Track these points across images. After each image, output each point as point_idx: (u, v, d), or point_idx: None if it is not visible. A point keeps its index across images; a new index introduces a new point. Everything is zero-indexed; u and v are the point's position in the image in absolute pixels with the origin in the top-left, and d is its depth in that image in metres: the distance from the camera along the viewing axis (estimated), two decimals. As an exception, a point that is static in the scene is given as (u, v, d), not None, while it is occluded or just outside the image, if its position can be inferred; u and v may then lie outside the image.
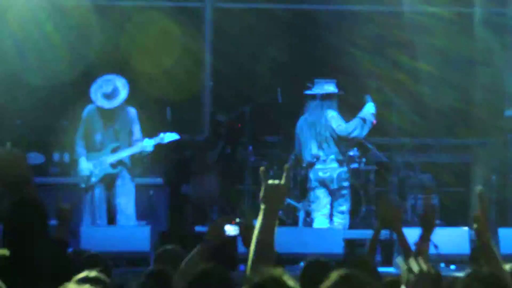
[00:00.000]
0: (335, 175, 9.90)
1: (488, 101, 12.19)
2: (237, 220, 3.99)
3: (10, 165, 2.40)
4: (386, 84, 12.13)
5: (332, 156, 10.03)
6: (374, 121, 9.88)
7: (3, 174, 2.52)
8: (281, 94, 11.38)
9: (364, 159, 10.74)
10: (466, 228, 8.89)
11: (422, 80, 12.37)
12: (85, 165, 10.36)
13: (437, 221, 7.66)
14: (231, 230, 3.95)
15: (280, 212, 8.47)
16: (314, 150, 10.09)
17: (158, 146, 10.42)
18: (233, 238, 4.03)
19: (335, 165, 10.11)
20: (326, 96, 10.32)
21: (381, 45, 12.43)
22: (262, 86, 12.54)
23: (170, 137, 10.43)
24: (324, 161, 10.12)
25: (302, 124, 10.44)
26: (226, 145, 11.84)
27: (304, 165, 10.40)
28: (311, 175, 10.05)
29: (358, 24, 12.80)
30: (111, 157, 10.34)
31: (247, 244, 3.68)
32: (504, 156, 12.02)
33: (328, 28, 12.73)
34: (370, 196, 10.68)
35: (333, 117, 9.97)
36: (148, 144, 10.19)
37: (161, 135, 10.38)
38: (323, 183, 9.93)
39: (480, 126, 12.50)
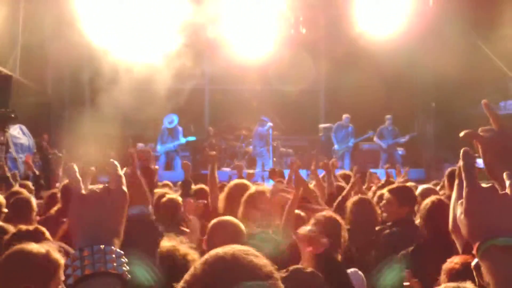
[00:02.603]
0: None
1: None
2: None
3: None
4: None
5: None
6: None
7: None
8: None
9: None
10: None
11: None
12: (160, 148, 15.60)
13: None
14: None
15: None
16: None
17: (188, 142, 16.01)
18: None
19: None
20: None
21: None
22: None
23: (192, 138, 16.11)
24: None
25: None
26: (211, 139, 16.60)
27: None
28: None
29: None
30: (171, 144, 15.60)
31: None
32: (323, 144, 17.14)
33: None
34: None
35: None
36: (184, 141, 15.87)
37: (189, 137, 16.03)
38: None
39: (309, 130, 17.93)
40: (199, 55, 15.23)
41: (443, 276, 3.17)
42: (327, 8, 17.16)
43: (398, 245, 4.79)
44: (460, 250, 2.86)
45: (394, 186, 6.03)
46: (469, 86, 16.63)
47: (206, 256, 1.72)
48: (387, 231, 5.31)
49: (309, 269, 2.79)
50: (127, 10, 14.92)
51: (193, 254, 2.91)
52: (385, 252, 4.89)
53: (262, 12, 16.37)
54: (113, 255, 1.40)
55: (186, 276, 1.71)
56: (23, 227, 3.82)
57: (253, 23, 16.24)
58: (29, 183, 8.36)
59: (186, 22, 14.51)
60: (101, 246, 1.39)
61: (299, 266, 2.87)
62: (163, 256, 2.53)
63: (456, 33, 15.87)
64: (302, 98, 18.10)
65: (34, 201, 5.93)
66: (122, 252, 1.44)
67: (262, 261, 1.74)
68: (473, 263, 1.40)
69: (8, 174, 8.68)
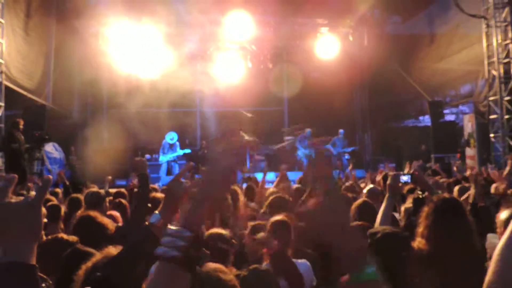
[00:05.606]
0: None
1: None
2: None
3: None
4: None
5: None
6: None
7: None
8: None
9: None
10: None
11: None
12: (162, 158, 15.34)
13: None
14: None
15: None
16: None
17: (185, 153, 15.58)
18: None
19: None
20: None
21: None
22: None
23: (188, 150, 15.72)
24: None
25: None
26: (203, 150, 15.96)
27: None
28: None
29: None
30: (171, 155, 15.28)
31: None
32: (287, 152, 16.63)
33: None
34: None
35: None
36: (181, 153, 15.54)
37: (186, 149, 15.66)
38: None
39: (276, 141, 16.81)
40: (192, 84, 15.06)
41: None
42: (289, 47, 17.16)
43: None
44: None
45: None
46: (395, 106, 17.02)
47: None
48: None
49: (264, 267, 2.84)
50: (138, 51, 14.85)
51: None
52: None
53: (239, 51, 16.63)
54: None
55: None
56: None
57: (232, 60, 16.38)
58: (60, 191, 8.05)
59: (182, 63, 14.48)
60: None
61: (256, 265, 2.86)
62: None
63: (385, 65, 16.08)
64: (270, 116, 18.21)
65: (62, 208, 5.65)
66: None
67: (229, 277, 1.80)
68: None
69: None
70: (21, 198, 1.28)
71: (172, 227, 1.11)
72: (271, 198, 4.86)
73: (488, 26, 13.24)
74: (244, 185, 8.25)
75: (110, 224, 3.53)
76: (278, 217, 3.71)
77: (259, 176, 10.72)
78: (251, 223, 3.92)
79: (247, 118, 16.33)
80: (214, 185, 1.16)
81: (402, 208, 4.30)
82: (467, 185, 5.95)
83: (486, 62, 13.35)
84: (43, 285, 2.09)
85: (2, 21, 11.32)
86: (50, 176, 1.42)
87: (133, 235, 1.77)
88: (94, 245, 2.15)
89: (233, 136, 1.21)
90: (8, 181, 1.29)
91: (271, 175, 11.67)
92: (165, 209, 1.81)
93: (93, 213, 3.62)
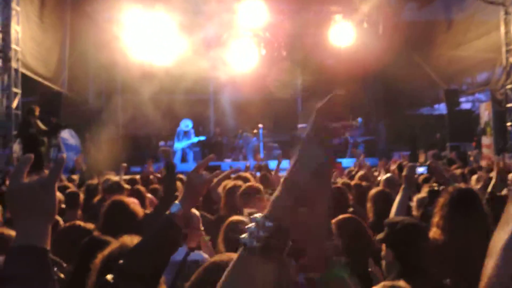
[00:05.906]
0: None
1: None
2: None
3: None
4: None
5: None
6: None
7: None
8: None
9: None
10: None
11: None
12: (176, 145, 15.38)
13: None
14: None
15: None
16: None
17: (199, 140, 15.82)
18: None
19: None
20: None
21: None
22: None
23: (202, 137, 15.89)
24: None
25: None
26: (217, 137, 16.25)
27: None
28: None
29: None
30: (186, 142, 15.37)
31: None
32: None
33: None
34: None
35: None
36: (196, 140, 15.65)
37: (200, 137, 15.86)
38: None
39: (290, 129, 16.72)
40: (206, 71, 14.99)
41: None
42: (303, 35, 17.03)
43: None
44: None
45: None
46: (410, 94, 16.84)
47: (208, 261, 1.77)
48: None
49: None
50: (152, 37, 14.79)
51: None
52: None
53: (253, 38, 16.44)
54: None
55: (192, 277, 1.74)
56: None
57: (246, 48, 16.17)
58: (77, 177, 8.18)
59: (196, 52, 14.43)
60: None
61: None
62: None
63: (400, 53, 15.81)
64: (284, 104, 18.07)
65: (81, 195, 5.69)
66: None
67: None
68: None
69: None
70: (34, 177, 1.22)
71: (257, 216, 1.01)
72: (244, 186, 4.71)
73: (506, 13, 13.00)
74: (258, 174, 8.29)
75: (140, 212, 3.54)
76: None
77: (272, 164, 10.74)
78: (247, 210, 3.73)
79: (260, 105, 16.29)
80: (305, 176, 0.96)
81: (415, 198, 4.30)
82: (483, 174, 5.86)
83: (504, 50, 13.14)
84: (56, 269, 2.05)
85: (18, 8, 11.44)
86: (64, 155, 1.40)
87: (155, 224, 1.78)
88: (122, 232, 2.12)
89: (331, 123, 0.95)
90: (24, 162, 1.25)
91: (286, 163, 11.70)
92: (185, 199, 1.81)
93: (126, 199, 3.61)
